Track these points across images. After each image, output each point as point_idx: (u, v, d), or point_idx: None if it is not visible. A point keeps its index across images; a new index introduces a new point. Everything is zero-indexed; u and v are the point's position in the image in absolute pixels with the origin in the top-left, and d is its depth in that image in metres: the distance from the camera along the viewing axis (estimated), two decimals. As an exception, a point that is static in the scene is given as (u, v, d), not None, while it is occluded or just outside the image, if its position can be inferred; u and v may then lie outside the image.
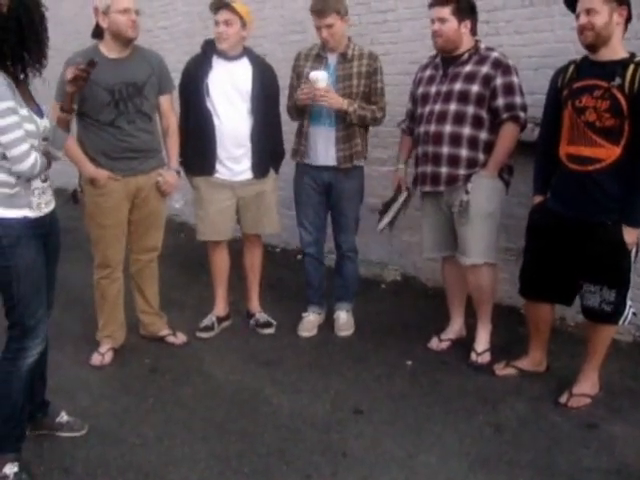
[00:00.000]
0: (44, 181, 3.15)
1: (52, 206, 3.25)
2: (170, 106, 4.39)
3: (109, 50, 4.09)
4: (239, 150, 4.48)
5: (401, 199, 4.42)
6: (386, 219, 4.45)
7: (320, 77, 4.24)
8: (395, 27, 5.41)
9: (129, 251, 4.48)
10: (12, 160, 2.91)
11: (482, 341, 4.27)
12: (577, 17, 3.43)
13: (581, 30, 3.41)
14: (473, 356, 4.23)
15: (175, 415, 3.75)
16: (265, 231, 4.85)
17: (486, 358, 4.21)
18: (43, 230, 3.15)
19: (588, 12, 3.36)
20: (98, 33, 4.10)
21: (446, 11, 3.95)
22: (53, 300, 3.43)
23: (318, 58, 4.45)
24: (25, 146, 2.91)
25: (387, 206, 4.46)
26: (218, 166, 4.50)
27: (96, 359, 4.36)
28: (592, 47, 3.43)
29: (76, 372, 4.25)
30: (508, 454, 3.30)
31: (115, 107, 4.06)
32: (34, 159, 2.95)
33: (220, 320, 4.87)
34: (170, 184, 4.35)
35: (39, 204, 3.11)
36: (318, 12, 4.28)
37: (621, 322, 3.62)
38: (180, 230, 7.33)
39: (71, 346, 4.55)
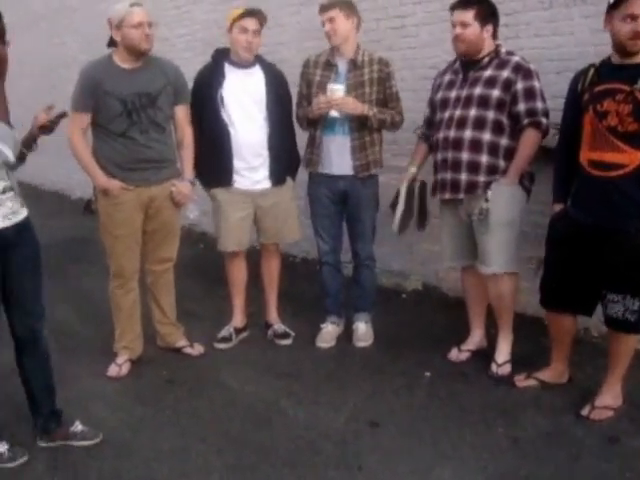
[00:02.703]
0: (2, 193, 3.12)
1: (17, 219, 3.22)
2: (186, 117, 4.35)
3: (123, 60, 4.07)
4: (257, 159, 4.45)
5: (403, 191, 4.34)
6: (396, 219, 4.36)
7: (335, 89, 4.22)
8: (413, 32, 5.36)
9: (144, 262, 4.45)
10: None
11: (503, 352, 4.18)
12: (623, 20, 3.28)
13: (634, 37, 3.25)
14: (493, 367, 4.15)
15: (190, 427, 3.72)
16: (285, 240, 4.82)
17: (507, 369, 4.12)
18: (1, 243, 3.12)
19: (633, 18, 3.23)
20: (113, 42, 4.09)
21: (469, 15, 3.89)
22: (40, 312, 3.42)
23: (328, 65, 4.42)
24: None
25: (393, 206, 4.39)
26: (236, 176, 4.47)
27: (113, 370, 4.34)
28: (619, 52, 3.33)
29: (93, 383, 4.23)
30: (526, 468, 3.22)
31: (128, 117, 4.04)
32: None
33: (238, 331, 4.84)
34: (184, 194, 4.32)
35: None
36: (323, 7, 4.30)
37: (645, 331, 3.53)
38: (199, 240, 7.31)
39: (88, 357, 4.53)
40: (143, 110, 4.08)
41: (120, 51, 4.07)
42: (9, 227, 3.17)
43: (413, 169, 4.36)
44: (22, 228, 3.26)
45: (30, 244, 3.32)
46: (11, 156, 3.16)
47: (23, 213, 3.28)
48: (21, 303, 3.31)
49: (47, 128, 3.23)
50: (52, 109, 3.24)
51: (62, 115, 3.26)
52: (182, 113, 4.33)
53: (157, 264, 4.46)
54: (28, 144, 3.29)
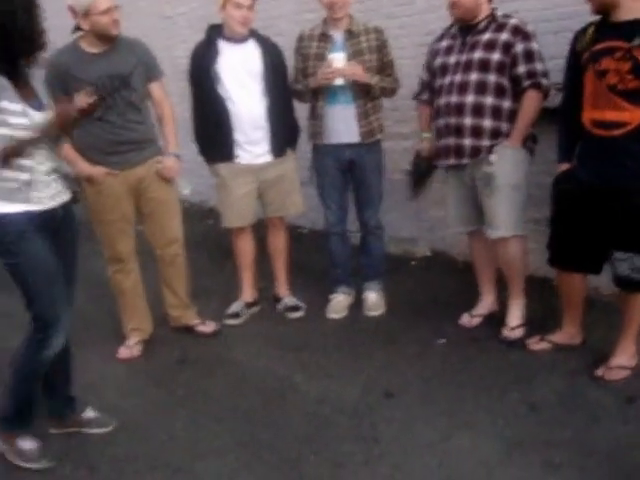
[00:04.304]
0: (47, 174, 3.10)
1: (61, 199, 3.21)
2: (162, 92, 4.28)
3: (90, 45, 4.00)
4: (257, 132, 4.41)
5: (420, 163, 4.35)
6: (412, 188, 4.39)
7: (337, 57, 4.18)
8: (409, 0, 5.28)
9: (152, 247, 4.42)
10: None
11: (515, 316, 4.15)
12: None
13: None
14: (505, 331, 4.11)
15: (203, 407, 3.71)
16: (289, 212, 4.78)
17: (518, 333, 4.08)
18: (50, 223, 3.12)
19: None
20: (78, 28, 3.99)
21: None
22: (74, 294, 3.41)
23: (323, 37, 4.36)
24: None
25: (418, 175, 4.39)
26: (238, 151, 4.44)
27: (124, 352, 4.34)
28: (600, 13, 3.32)
29: (105, 367, 4.23)
30: (544, 433, 3.20)
31: (102, 101, 3.96)
32: None
33: (248, 306, 4.83)
34: (170, 168, 4.25)
35: (40, 198, 3.08)
36: None
37: (654, 289, 3.49)
38: (207, 216, 7.27)
39: (99, 340, 4.51)
40: (117, 92, 4.01)
41: (88, 37, 3.98)
42: (57, 207, 3.18)
43: (427, 134, 4.32)
44: (68, 209, 3.27)
45: (74, 225, 3.34)
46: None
47: (67, 194, 3.27)
48: None
49: (88, 111, 3.24)
50: (91, 93, 3.25)
51: (103, 98, 3.31)
52: (157, 89, 4.26)
53: (165, 247, 4.41)
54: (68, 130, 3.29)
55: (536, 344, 3.96)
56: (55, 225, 3.16)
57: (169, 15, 7.88)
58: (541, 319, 4.19)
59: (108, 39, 3.99)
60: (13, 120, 2.91)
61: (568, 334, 3.91)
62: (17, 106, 2.94)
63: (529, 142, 3.98)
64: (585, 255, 3.63)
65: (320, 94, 4.38)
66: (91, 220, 4.20)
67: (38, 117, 3.01)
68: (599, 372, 3.61)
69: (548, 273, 4.21)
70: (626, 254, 3.43)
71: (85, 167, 4.05)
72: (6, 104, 2.90)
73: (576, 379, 3.62)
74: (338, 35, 4.33)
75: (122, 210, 4.18)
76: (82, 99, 3.23)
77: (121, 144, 4.08)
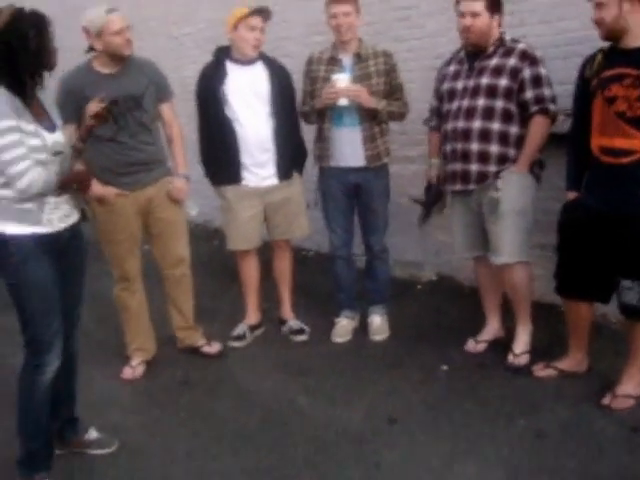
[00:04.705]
0: (57, 195, 3.11)
1: (70, 221, 3.22)
2: (172, 113, 4.31)
3: (103, 66, 4.03)
4: (264, 155, 4.42)
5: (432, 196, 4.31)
6: (423, 215, 4.37)
7: (341, 78, 4.18)
8: (419, 23, 5.30)
9: (160, 268, 4.43)
10: (10, 178, 2.91)
11: (520, 342, 4.12)
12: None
13: (595, 25, 3.34)
14: (510, 358, 4.08)
15: (206, 428, 3.69)
16: (295, 235, 4.78)
17: (524, 360, 4.06)
18: (57, 246, 3.12)
19: (598, 6, 3.28)
20: (92, 48, 4.02)
21: (479, 5, 3.83)
22: (79, 316, 3.41)
23: (332, 60, 4.37)
24: (23, 165, 2.89)
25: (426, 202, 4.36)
26: (244, 173, 4.44)
27: (127, 372, 4.33)
28: (609, 40, 3.33)
29: (108, 386, 4.22)
30: (549, 461, 3.17)
31: (115, 122, 3.96)
32: (31, 177, 2.91)
33: (252, 328, 4.81)
34: (180, 189, 4.26)
35: (50, 220, 3.08)
36: (334, 0, 4.22)
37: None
38: (213, 237, 7.27)
39: (103, 360, 4.49)
40: (129, 113, 4.03)
41: (101, 57, 4.01)
42: (66, 228, 3.18)
43: (435, 160, 4.30)
44: (76, 230, 3.28)
45: (82, 246, 3.34)
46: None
47: (76, 215, 3.28)
48: (64, 305, 3.26)
49: (102, 116, 3.27)
50: (103, 100, 3.29)
51: (115, 102, 3.30)
52: (168, 110, 4.29)
53: (172, 267, 4.41)
54: (84, 138, 3.30)
55: (542, 371, 3.93)
56: (62, 247, 3.16)
57: (175, 36, 7.94)
58: (547, 345, 4.17)
59: (121, 59, 4.02)
60: (29, 141, 2.93)
61: (574, 361, 3.88)
62: (31, 127, 2.95)
63: (536, 168, 3.97)
64: (592, 284, 3.61)
65: (327, 116, 4.38)
66: (99, 239, 4.21)
67: (50, 138, 3.02)
68: (605, 400, 3.57)
69: (555, 299, 4.19)
70: (633, 282, 3.41)
71: (97, 187, 4.05)
72: (23, 125, 2.91)
73: (582, 407, 3.59)
74: (347, 59, 4.34)
75: (131, 230, 4.19)
76: (93, 106, 3.28)
77: (132, 165, 4.10)
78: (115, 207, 4.09)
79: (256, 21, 4.25)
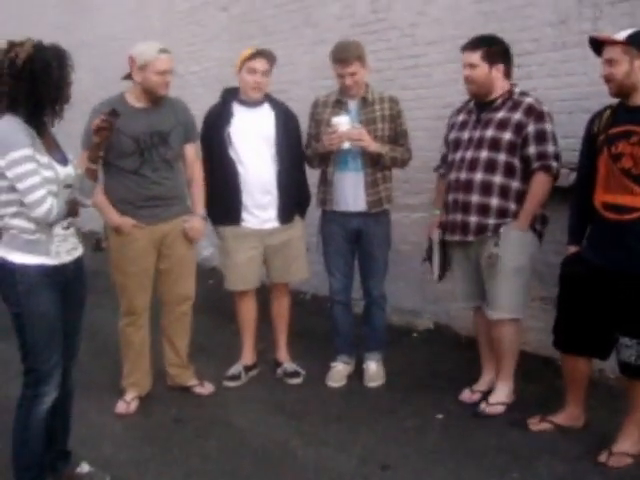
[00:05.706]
0: (66, 228, 3.14)
1: (76, 254, 3.25)
2: (195, 154, 4.36)
3: (136, 99, 4.10)
4: (266, 197, 4.45)
5: (435, 247, 4.30)
6: (435, 269, 4.32)
7: (342, 121, 4.21)
8: (426, 72, 5.37)
9: (161, 303, 4.43)
10: (28, 206, 2.95)
11: (497, 394, 4.12)
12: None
13: (605, 81, 3.38)
14: (482, 405, 4.10)
15: (198, 467, 3.66)
16: (294, 279, 4.79)
17: (496, 410, 4.05)
18: (62, 278, 3.14)
19: (608, 62, 3.33)
20: (129, 77, 4.11)
21: (476, 57, 3.90)
22: (78, 347, 3.42)
23: (338, 104, 4.43)
24: (41, 192, 2.93)
25: (429, 255, 4.35)
26: (245, 214, 4.47)
27: (121, 407, 4.29)
28: (618, 96, 3.38)
29: (100, 420, 4.18)
30: (542, 518, 3.14)
31: (140, 155, 4.05)
32: (49, 205, 2.96)
33: (247, 369, 4.78)
34: (196, 229, 4.30)
35: (58, 252, 3.11)
36: (342, 61, 4.26)
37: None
38: (209, 276, 7.25)
39: (97, 393, 4.45)
40: (155, 148, 4.09)
41: (135, 90, 4.10)
42: (72, 261, 3.21)
43: (438, 212, 4.32)
44: (80, 263, 3.30)
45: (84, 279, 3.36)
46: (88, 202, 3.32)
47: (81, 248, 3.31)
48: (64, 336, 3.25)
49: (105, 128, 3.28)
50: (105, 114, 3.33)
51: (114, 113, 3.32)
52: (191, 150, 4.35)
53: (175, 304, 4.42)
54: (92, 158, 3.31)
55: (537, 424, 3.90)
56: (66, 279, 3.18)
57: (180, 74, 8.01)
58: (543, 399, 4.15)
59: (154, 97, 4.09)
60: (43, 172, 2.96)
61: (570, 415, 3.86)
62: (45, 159, 2.99)
63: (538, 224, 3.98)
64: (591, 340, 3.61)
65: (331, 160, 4.41)
66: (112, 271, 4.24)
67: (62, 171, 3.06)
68: (602, 458, 3.53)
69: (552, 352, 4.18)
70: (632, 340, 3.41)
71: (115, 217, 4.11)
72: (38, 156, 2.96)
73: (578, 463, 3.55)
74: (353, 102, 4.39)
75: (144, 264, 4.21)
76: (96, 121, 3.32)
77: (151, 199, 4.14)
78: (130, 238, 4.12)
79: (259, 64, 4.31)
